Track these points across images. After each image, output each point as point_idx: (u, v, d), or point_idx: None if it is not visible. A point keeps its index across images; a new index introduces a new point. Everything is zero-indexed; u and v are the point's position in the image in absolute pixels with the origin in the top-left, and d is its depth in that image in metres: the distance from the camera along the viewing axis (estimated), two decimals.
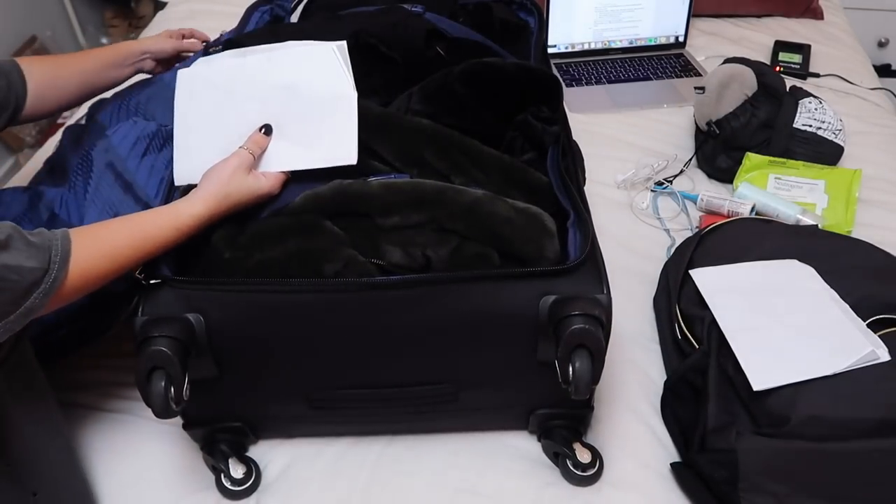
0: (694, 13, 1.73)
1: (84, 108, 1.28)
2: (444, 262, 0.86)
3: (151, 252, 0.81)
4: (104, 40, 2.71)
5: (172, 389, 0.78)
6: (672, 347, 1.06)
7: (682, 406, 0.99)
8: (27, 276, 0.70)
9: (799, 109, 1.37)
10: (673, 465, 0.96)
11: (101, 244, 0.78)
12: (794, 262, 1.03)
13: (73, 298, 0.76)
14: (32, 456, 0.85)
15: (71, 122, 1.21)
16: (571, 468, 0.94)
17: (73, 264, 0.74)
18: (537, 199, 0.91)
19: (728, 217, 1.26)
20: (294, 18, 1.41)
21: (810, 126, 1.36)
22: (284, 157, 0.91)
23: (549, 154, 0.99)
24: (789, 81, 1.48)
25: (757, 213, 1.28)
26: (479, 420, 0.99)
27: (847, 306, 0.95)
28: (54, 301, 0.73)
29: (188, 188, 0.90)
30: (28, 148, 2.36)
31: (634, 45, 1.75)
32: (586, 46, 1.73)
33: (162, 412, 0.78)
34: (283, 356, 0.87)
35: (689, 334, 1.02)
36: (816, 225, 1.22)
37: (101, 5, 2.76)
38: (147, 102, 1.12)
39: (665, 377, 1.05)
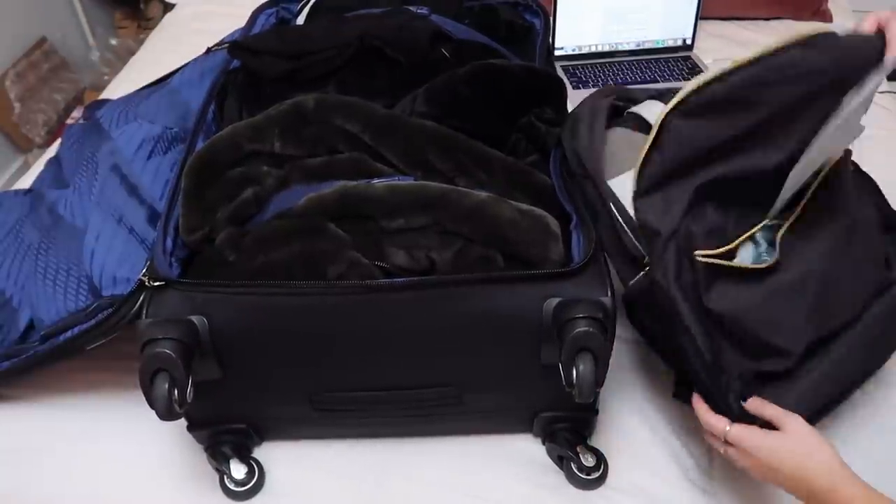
0: (702, 16, 1.72)
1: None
2: (447, 264, 0.85)
3: None
4: (113, 41, 2.73)
5: (176, 391, 0.78)
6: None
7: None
8: None
9: None
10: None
11: None
12: None
13: None
14: None
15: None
16: (576, 472, 0.94)
17: None
18: (542, 202, 0.91)
19: None
20: (300, 21, 1.41)
21: None
22: None
23: (551, 156, 0.99)
24: None
25: None
26: (484, 423, 0.99)
27: None
28: None
29: None
30: (37, 148, 2.37)
31: (642, 47, 1.74)
32: (593, 49, 1.73)
33: (166, 414, 0.78)
34: (287, 358, 0.87)
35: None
36: None
37: (110, 7, 2.78)
38: (153, 107, 1.12)
39: (672, 379, 1.04)
